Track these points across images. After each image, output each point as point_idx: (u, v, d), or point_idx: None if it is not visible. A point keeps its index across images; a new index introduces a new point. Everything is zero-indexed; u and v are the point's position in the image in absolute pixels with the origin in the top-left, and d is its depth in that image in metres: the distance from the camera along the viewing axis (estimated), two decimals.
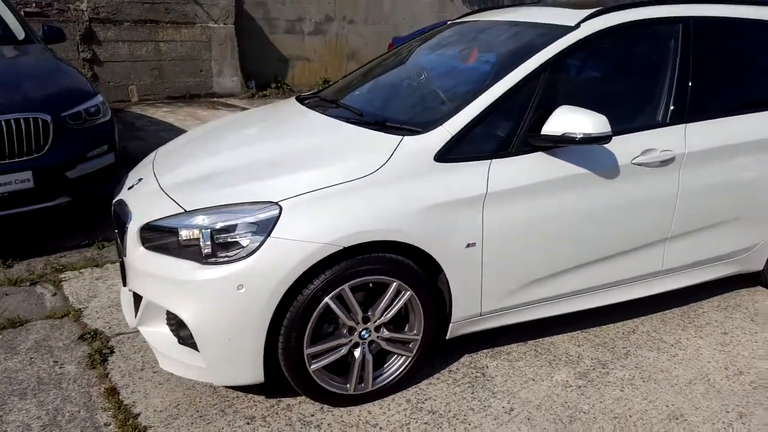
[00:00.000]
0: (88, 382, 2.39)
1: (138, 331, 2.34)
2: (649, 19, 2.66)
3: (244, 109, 8.88)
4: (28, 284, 3.20)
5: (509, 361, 2.64)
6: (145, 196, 2.33)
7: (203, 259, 2.02)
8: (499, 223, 2.30)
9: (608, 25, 2.56)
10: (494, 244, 2.31)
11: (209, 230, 2.01)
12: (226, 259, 2.00)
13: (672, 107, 2.68)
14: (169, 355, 2.18)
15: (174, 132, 6.76)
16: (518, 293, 2.48)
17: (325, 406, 2.28)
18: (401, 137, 2.25)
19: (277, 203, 2.03)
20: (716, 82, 2.82)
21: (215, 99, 9.71)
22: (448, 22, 3.61)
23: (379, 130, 2.38)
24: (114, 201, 2.52)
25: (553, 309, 2.63)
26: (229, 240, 2.02)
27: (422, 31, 10.46)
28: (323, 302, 2.08)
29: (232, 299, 1.99)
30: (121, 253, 2.35)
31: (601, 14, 2.58)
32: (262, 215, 2.01)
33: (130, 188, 2.49)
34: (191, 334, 2.06)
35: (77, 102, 3.69)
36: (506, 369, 2.58)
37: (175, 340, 2.21)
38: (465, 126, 2.27)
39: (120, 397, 2.30)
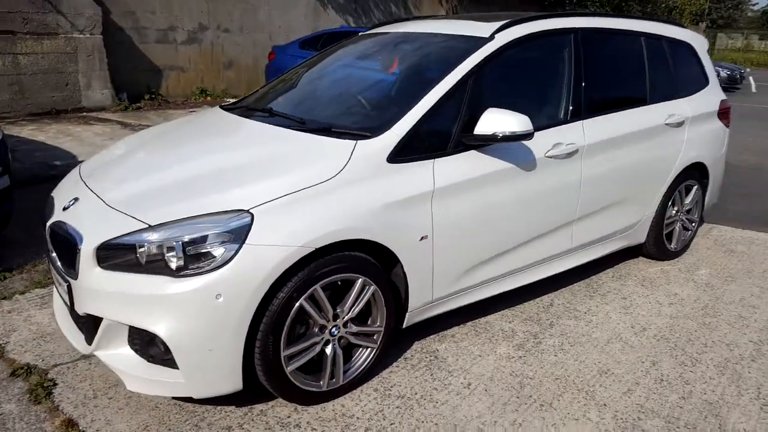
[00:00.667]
0: (37, 418, 2.24)
1: (86, 356, 2.24)
2: (548, 30, 3.05)
3: (120, 123, 8.39)
4: None
5: (455, 342, 2.87)
6: (91, 215, 2.24)
7: (175, 273, 2.01)
8: (444, 216, 2.52)
9: (517, 36, 2.90)
10: (441, 235, 2.53)
11: (180, 242, 2.01)
12: (199, 270, 2.00)
13: (571, 106, 3.08)
14: (138, 375, 2.12)
15: (50, 151, 6.25)
16: (461, 279, 2.72)
17: (299, 406, 2.35)
18: (355, 142, 2.38)
19: (248, 211, 2.07)
20: (601, 82, 3.28)
21: (85, 113, 9.05)
22: (361, 33, 3.78)
23: (326, 135, 2.49)
24: (49, 223, 2.37)
25: (489, 290, 2.91)
26: (200, 251, 2.02)
27: (306, 38, 10.56)
28: (297, 304, 2.16)
29: (210, 309, 2.00)
30: (63, 277, 2.24)
31: (510, 26, 2.91)
32: (235, 223, 2.04)
33: (65, 209, 2.37)
34: (167, 349, 2.03)
35: None
36: (454, 350, 2.81)
37: (141, 359, 2.15)
38: (410, 129, 2.46)
39: (80, 428, 2.18)
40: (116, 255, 2.08)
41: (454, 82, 2.61)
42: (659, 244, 3.86)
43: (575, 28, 3.17)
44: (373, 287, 2.37)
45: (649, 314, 3.23)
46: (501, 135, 2.51)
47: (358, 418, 2.31)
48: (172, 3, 10.69)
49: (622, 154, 3.31)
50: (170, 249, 2.02)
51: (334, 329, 2.33)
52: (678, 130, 3.66)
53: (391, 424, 2.27)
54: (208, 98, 11.44)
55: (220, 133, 2.82)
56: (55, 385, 2.44)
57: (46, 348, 2.70)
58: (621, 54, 3.48)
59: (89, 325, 2.22)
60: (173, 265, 2.01)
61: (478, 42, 2.81)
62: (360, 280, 2.32)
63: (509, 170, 2.74)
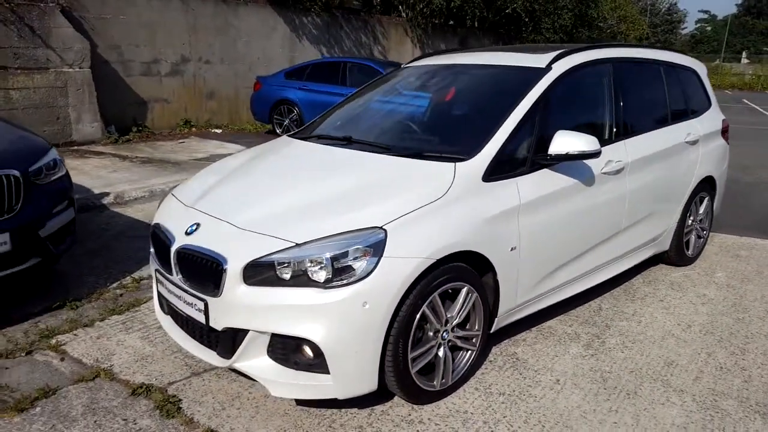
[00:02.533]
0: (177, 430, 2.36)
1: (212, 369, 2.37)
2: (592, 60, 3.42)
3: (116, 155, 8.40)
4: (23, 354, 2.93)
5: (528, 345, 3.14)
6: (226, 237, 2.41)
7: (323, 285, 2.21)
8: (528, 227, 2.80)
9: (570, 66, 3.25)
10: (525, 246, 2.81)
11: (328, 258, 2.21)
12: (346, 281, 2.21)
13: (615, 128, 3.45)
14: (284, 381, 2.30)
15: None
16: (537, 286, 3.00)
17: (416, 406, 2.55)
18: (454, 164, 2.65)
19: (381, 227, 2.30)
20: (634, 105, 3.68)
21: (76, 147, 8.99)
22: (404, 66, 4.07)
23: (421, 159, 2.76)
24: (175, 248, 2.52)
25: (556, 296, 3.20)
26: (343, 264, 2.23)
27: (292, 68, 10.80)
28: (421, 310, 2.39)
29: (358, 316, 2.21)
30: (197, 296, 2.40)
31: (562, 57, 3.26)
32: (373, 239, 2.26)
33: (189, 233, 2.52)
34: (318, 354, 2.22)
35: (37, 157, 3.45)
36: (531, 352, 3.07)
37: (281, 366, 2.32)
38: (497, 152, 2.75)
39: None
40: (263, 272, 2.27)
41: (528, 108, 2.92)
42: (680, 251, 4.26)
43: (612, 57, 3.57)
44: (475, 294, 2.62)
45: (688, 313, 3.58)
46: (575, 153, 2.83)
47: (471, 413, 2.53)
48: (156, 36, 10.78)
49: (655, 169, 3.70)
50: (316, 263, 2.22)
51: (444, 333, 2.56)
52: (694, 147, 4.10)
53: (504, 416, 2.50)
54: (193, 129, 11.50)
55: (316, 160, 3.04)
56: (179, 400, 2.56)
57: (153, 368, 2.82)
58: (647, 79, 3.90)
59: (226, 340, 2.39)
60: (322, 278, 2.21)
61: (539, 72, 3.14)
62: (465, 288, 2.57)
63: (575, 185, 3.06)
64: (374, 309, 2.23)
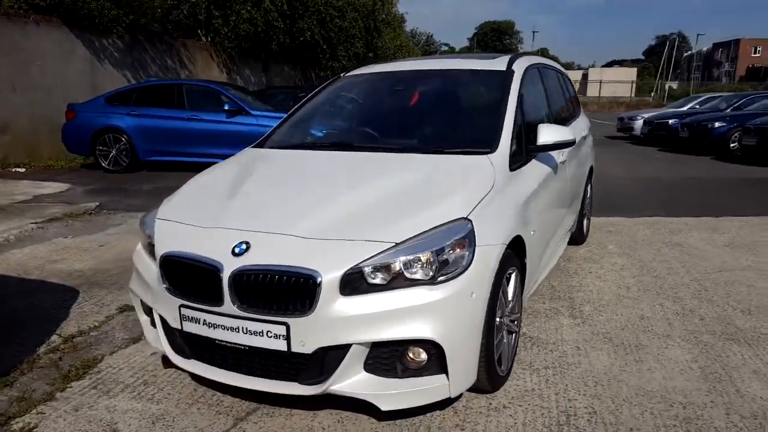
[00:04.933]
0: None
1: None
2: (532, 64, 3.82)
3: None
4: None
5: (529, 324, 3.35)
6: (300, 250, 2.16)
7: (432, 281, 2.13)
8: (536, 211, 3.03)
9: (524, 68, 3.59)
10: (537, 228, 3.03)
11: (431, 253, 2.14)
12: (452, 274, 2.16)
13: (553, 122, 3.89)
14: (393, 392, 2.15)
15: None
16: (539, 265, 3.25)
17: (488, 395, 2.56)
18: (487, 156, 2.76)
19: (467, 218, 2.30)
20: (556, 103, 4.20)
21: None
22: (345, 75, 4.02)
23: (449, 155, 2.83)
24: (231, 272, 2.17)
25: (543, 274, 3.49)
26: (445, 258, 2.18)
27: (113, 93, 9.67)
28: (499, 296, 2.43)
29: (468, 307, 2.19)
30: (274, 321, 2.12)
31: (515, 61, 3.59)
32: (465, 230, 2.26)
33: (238, 254, 2.21)
34: (434, 354, 2.14)
35: None
36: (536, 330, 3.28)
37: (380, 378, 2.17)
38: (510, 145, 2.94)
39: None
40: (360, 279, 2.11)
41: (516, 104, 3.17)
42: (580, 230, 4.92)
43: (538, 63, 4.03)
44: (519, 277, 2.75)
45: (618, 278, 4.18)
46: (561, 142, 3.14)
47: (535, 389, 2.63)
48: None
49: (576, 158, 4.25)
50: (419, 261, 2.14)
51: (504, 318, 2.63)
52: (586, 141, 4.80)
53: (564, 386, 2.66)
54: None
55: (334, 166, 2.90)
56: None
57: (182, 426, 2.37)
58: (556, 83, 4.47)
59: (314, 363, 2.15)
60: (428, 275, 2.13)
61: (508, 73, 3.41)
62: (515, 272, 2.69)
63: (550, 173, 3.40)
64: (478, 299, 2.22)
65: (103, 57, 12.51)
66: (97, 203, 6.91)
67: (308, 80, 24.94)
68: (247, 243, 2.25)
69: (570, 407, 2.48)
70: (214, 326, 2.25)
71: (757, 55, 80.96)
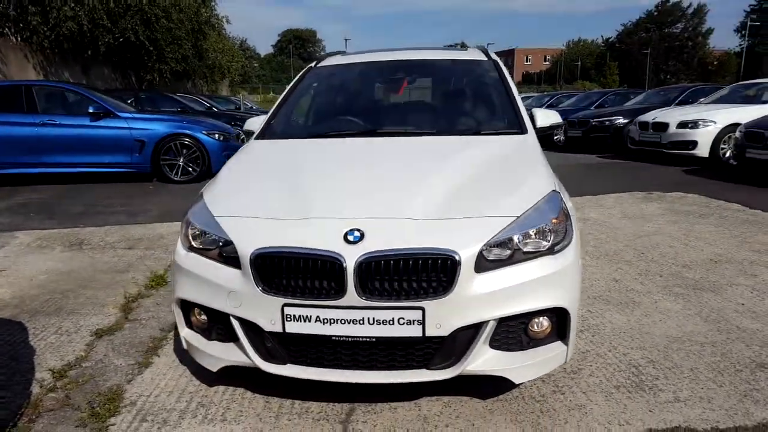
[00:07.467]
0: None
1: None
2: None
3: None
4: None
5: None
6: (423, 231, 2.09)
7: (552, 251, 2.21)
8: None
9: (495, 58, 3.81)
10: None
11: (547, 224, 2.22)
12: (567, 243, 2.26)
13: None
14: (521, 365, 2.18)
15: None
16: None
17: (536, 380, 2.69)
18: (524, 136, 2.90)
19: (555, 190, 2.42)
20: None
21: None
22: (316, 66, 3.87)
23: (487, 135, 2.93)
24: (357, 260, 2.01)
25: None
26: (554, 228, 2.26)
27: None
28: None
29: (579, 272, 2.31)
30: (409, 306, 2.03)
31: (486, 51, 3.81)
32: (559, 200, 2.37)
33: (354, 242, 2.07)
34: (558, 321, 2.22)
35: None
36: None
37: (509, 353, 2.19)
38: (532, 125, 3.13)
39: None
40: (489, 255, 2.11)
41: (517, 92, 3.38)
42: None
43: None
44: None
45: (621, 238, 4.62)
46: (556, 124, 3.41)
47: (590, 350, 2.84)
48: None
49: None
50: (536, 233, 2.20)
51: None
52: None
53: (610, 344, 2.91)
54: None
55: (394, 149, 2.90)
56: None
57: None
58: None
59: (448, 346, 2.10)
60: (546, 246, 2.20)
61: (492, 62, 3.61)
62: None
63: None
64: (580, 266, 2.35)
65: None
66: None
67: (130, 83, 23.02)
68: (359, 230, 2.10)
69: (632, 360, 2.73)
70: (332, 321, 2.07)
71: (529, 63, 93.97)
